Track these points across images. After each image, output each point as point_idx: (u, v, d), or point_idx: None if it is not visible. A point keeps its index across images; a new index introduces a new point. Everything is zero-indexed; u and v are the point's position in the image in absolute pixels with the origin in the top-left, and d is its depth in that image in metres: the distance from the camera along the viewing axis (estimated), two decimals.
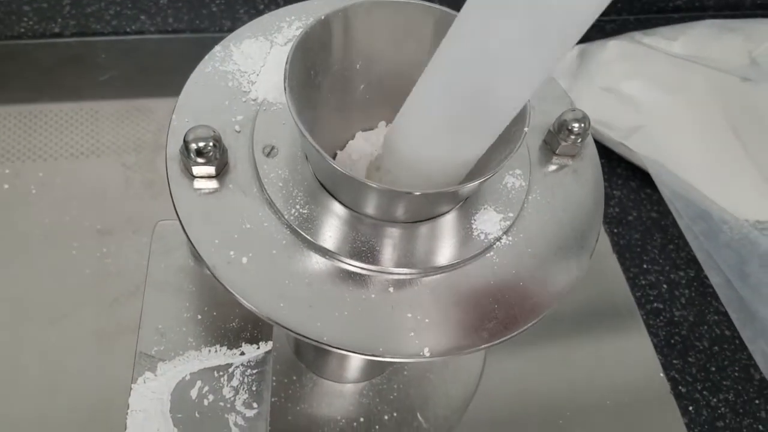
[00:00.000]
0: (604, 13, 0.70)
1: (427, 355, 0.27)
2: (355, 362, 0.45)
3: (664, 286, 0.57)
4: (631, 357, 0.53)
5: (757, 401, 0.53)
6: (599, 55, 0.66)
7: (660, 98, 0.64)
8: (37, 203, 0.53)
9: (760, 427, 0.52)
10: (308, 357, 0.46)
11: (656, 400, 0.52)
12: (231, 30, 0.65)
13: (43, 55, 0.62)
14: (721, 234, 0.58)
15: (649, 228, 0.60)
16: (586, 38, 0.70)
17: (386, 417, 0.46)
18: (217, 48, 0.33)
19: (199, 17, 0.64)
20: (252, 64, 0.33)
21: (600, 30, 0.73)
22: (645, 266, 0.58)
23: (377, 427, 0.45)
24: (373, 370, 0.46)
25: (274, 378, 0.45)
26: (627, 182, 0.62)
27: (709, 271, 0.57)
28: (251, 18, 0.64)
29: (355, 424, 0.45)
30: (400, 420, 0.46)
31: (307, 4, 0.36)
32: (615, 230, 0.59)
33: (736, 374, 0.54)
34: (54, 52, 0.62)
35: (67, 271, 0.51)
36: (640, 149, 0.60)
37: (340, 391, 0.47)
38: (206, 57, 0.33)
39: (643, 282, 0.57)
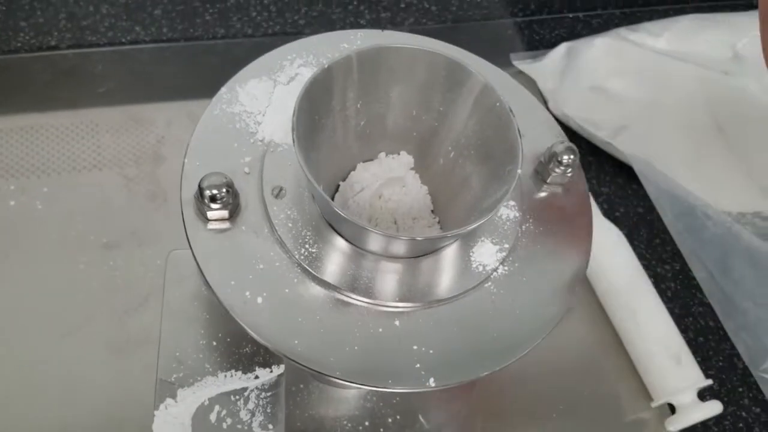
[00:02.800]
0: (591, 8, 0.72)
1: (433, 385, 0.29)
2: None
3: (651, 279, 0.59)
4: (603, 354, 0.56)
5: (740, 389, 0.56)
6: (586, 53, 0.68)
7: (646, 96, 0.66)
8: (43, 219, 0.55)
9: (744, 413, 0.55)
10: None
11: (644, 389, 0.54)
12: (224, 37, 0.66)
13: (41, 68, 0.62)
14: (705, 230, 0.60)
15: (636, 223, 0.62)
16: (574, 35, 0.72)
17: (390, 420, 0.48)
18: (224, 90, 0.35)
19: (192, 26, 0.65)
20: (257, 104, 0.34)
21: (587, 25, 0.75)
22: None
23: (381, 429, 0.48)
24: None
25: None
26: (614, 179, 0.64)
27: (693, 266, 0.60)
28: (244, 26, 0.65)
29: (360, 427, 0.48)
30: (403, 422, 0.48)
31: (305, 41, 0.37)
32: None
33: (720, 364, 0.56)
34: (51, 65, 0.63)
35: (76, 286, 0.52)
36: (627, 148, 0.62)
37: (345, 397, 0.49)
38: (214, 99, 0.34)
39: None
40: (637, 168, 0.61)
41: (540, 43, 0.72)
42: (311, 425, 0.48)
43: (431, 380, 0.29)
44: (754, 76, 0.67)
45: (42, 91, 0.61)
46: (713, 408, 0.50)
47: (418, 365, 0.30)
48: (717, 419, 0.54)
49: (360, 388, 0.29)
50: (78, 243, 0.54)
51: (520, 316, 0.32)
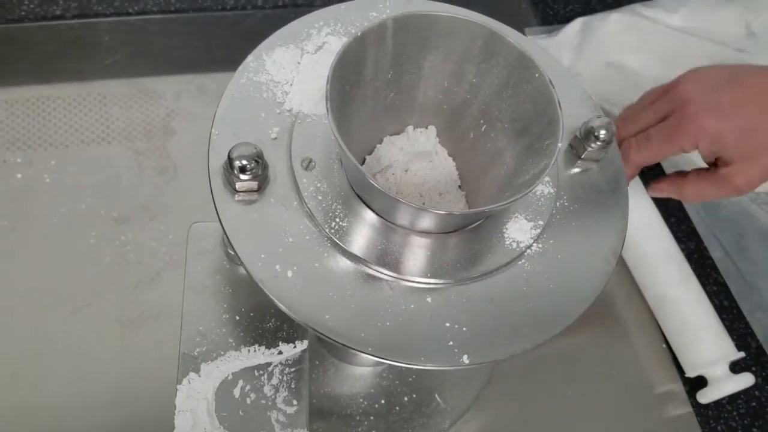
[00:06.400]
0: None
1: (467, 362, 0.29)
2: None
3: None
4: (635, 327, 0.56)
5: (754, 368, 0.55)
6: (602, 28, 0.67)
7: (660, 72, 0.65)
8: (51, 192, 0.54)
9: (757, 392, 0.55)
10: (331, 343, 0.48)
11: (659, 367, 0.54)
12: (234, 9, 0.65)
13: (46, 38, 0.61)
14: (722, 208, 0.59)
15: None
16: (589, 11, 0.71)
17: (406, 398, 0.48)
18: (250, 58, 0.34)
19: None
20: (285, 73, 0.33)
21: (601, 1, 0.73)
22: None
23: (398, 408, 0.47)
24: None
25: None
26: None
27: (709, 245, 0.59)
28: None
29: (376, 405, 0.47)
30: (419, 401, 0.48)
31: (333, 9, 0.36)
32: None
33: (735, 342, 0.56)
34: (57, 35, 0.61)
35: (87, 260, 0.52)
36: None
37: (361, 375, 0.49)
38: (240, 68, 0.33)
39: None
40: None
41: (554, 18, 0.71)
42: (327, 403, 0.47)
43: (465, 357, 0.29)
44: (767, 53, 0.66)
45: (47, 62, 0.60)
46: (746, 380, 0.50)
47: (450, 342, 0.29)
48: (731, 397, 0.53)
49: (391, 364, 0.29)
50: (88, 217, 0.53)
51: (555, 294, 0.31)
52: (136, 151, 0.57)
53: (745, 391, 0.54)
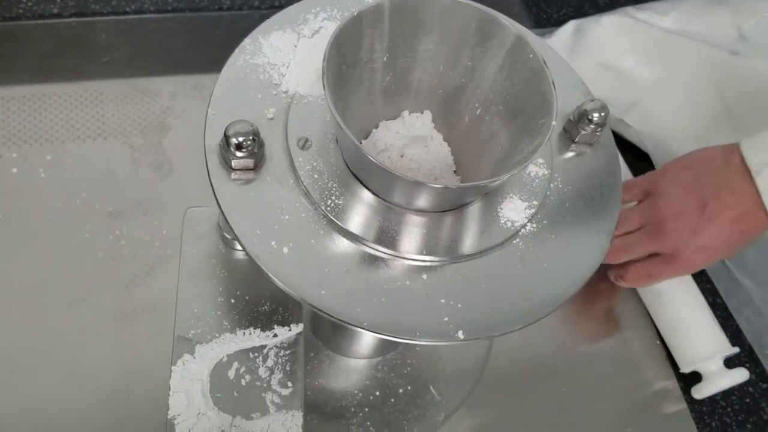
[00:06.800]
0: None
1: (462, 337, 0.29)
2: (371, 339, 0.47)
3: None
4: (628, 324, 0.56)
5: (747, 364, 0.55)
6: (594, 31, 0.68)
7: (654, 73, 0.66)
8: (47, 187, 0.54)
9: (750, 388, 0.55)
10: (325, 335, 0.48)
11: (652, 364, 0.55)
12: (230, 9, 0.66)
13: (43, 36, 0.61)
14: None
15: None
16: (581, 14, 0.72)
17: (401, 390, 0.48)
18: (247, 41, 0.34)
19: None
20: (281, 56, 0.34)
21: (594, 4, 0.75)
22: None
23: (392, 399, 0.47)
24: (387, 346, 0.48)
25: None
26: (623, 157, 0.64)
27: None
28: None
29: (371, 397, 0.47)
30: (414, 392, 0.48)
31: None
32: None
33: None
34: (54, 33, 0.62)
35: (82, 255, 0.52)
36: (638, 125, 0.62)
37: (356, 367, 0.49)
38: (236, 50, 0.34)
39: None
40: (648, 145, 0.61)
41: (548, 21, 0.72)
42: (321, 395, 0.47)
43: (460, 333, 0.29)
44: (760, 56, 0.67)
45: (44, 60, 0.60)
46: (740, 375, 0.50)
47: (446, 318, 0.29)
48: (725, 393, 0.54)
49: (387, 339, 0.29)
50: (83, 211, 0.53)
51: (549, 272, 0.31)
52: (131, 147, 0.57)
53: (739, 387, 0.54)
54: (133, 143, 0.57)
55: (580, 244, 0.32)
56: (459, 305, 0.30)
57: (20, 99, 0.58)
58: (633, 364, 0.55)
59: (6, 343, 0.47)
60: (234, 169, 0.30)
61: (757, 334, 0.57)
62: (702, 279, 0.59)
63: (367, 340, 0.47)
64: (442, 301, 0.30)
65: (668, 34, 0.68)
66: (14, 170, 0.54)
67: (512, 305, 0.30)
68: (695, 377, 0.53)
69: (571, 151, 0.35)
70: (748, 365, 0.55)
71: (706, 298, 0.58)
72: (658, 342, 0.55)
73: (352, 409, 0.47)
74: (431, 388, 0.48)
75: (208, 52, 0.63)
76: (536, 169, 0.33)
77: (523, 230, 0.32)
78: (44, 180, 0.54)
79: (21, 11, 0.61)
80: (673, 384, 0.54)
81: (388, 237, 0.30)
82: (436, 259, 0.31)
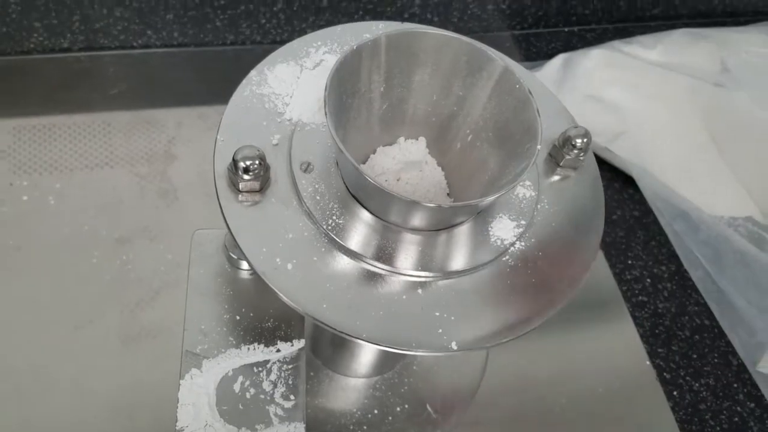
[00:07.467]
0: (585, 23, 0.76)
1: (455, 348, 0.31)
2: (369, 358, 0.48)
3: (648, 280, 0.62)
4: (620, 346, 0.58)
5: (735, 385, 0.57)
6: (583, 64, 0.70)
7: (640, 104, 0.69)
8: (56, 214, 0.56)
9: (739, 408, 0.56)
10: (325, 354, 0.50)
11: (643, 385, 0.56)
12: (233, 44, 0.68)
13: (54, 70, 0.64)
14: (699, 232, 0.62)
15: (632, 226, 0.65)
16: (570, 48, 0.75)
17: (398, 409, 0.49)
18: (253, 72, 0.36)
19: (203, 32, 0.67)
20: (285, 87, 0.36)
21: (582, 39, 0.78)
22: (630, 262, 0.62)
23: (390, 418, 0.49)
24: (385, 365, 0.50)
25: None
26: (611, 184, 0.66)
27: (688, 266, 0.62)
28: (253, 32, 0.67)
29: (369, 416, 0.49)
30: (411, 411, 0.49)
31: (330, 30, 0.39)
32: None
33: (716, 360, 0.58)
34: (64, 67, 0.64)
35: (89, 279, 0.53)
36: (624, 153, 0.64)
37: (354, 386, 0.50)
38: (243, 81, 0.36)
39: (629, 277, 0.61)
40: (634, 172, 0.64)
41: (537, 55, 0.75)
42: (321, 413, 0.49)
43: (453, 344, 0.31)
44: (742, 88, 0.70)
45: (54, 93, 0.63)
46: None
47: (440, 330, 0.31)
48: (714, 413, 0.55)
49: (385, 350, 0.31)
50: (90, 237, 0.55)
51: (537, 288, 0.33)
52: (138, 175, 0.59)
53: (728, 407, 0.56)
54: (139, 172, 0.59)
55: (566, 260, 0.34)
56: (452, 318, 0.32)
57: (31, 129, 0.60)
58: (624, 384, 0.56)
59: (15, 361, 0.49)
60: (241, 192, 0.32)
61: (750, 352, 0.59)
62: (694, 301, 0.61)
63: (365, 358, 0.48)
64: (437, 314, 0.32)
65: (654, 67, 0.71)
66: (25, 198, 0.56)
67: (502, 318, 0.32)
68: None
69: (557, 174, 0.37)
70: (735, 386, 0.57)
71: (699, 318, 0.60)
72: (648, 363, 0.57)
73: (351, 427, 0.48)
74: (428, 406, 0.50)
75: (212, 85, 0.66)
76: (524, 191, 0.35)
77: (512, 248, 0.34)
78: (54, 207, 0.56)
79: (32, 46, 0.64)
80: (662, 401, 0.55)
81: (385, 254, 0.32)
82: (431, 274, 0.32)
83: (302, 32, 0.69)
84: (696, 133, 0.68)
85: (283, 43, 0.38)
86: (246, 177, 0.32)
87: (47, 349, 0.50)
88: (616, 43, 0.72)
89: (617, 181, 0.67)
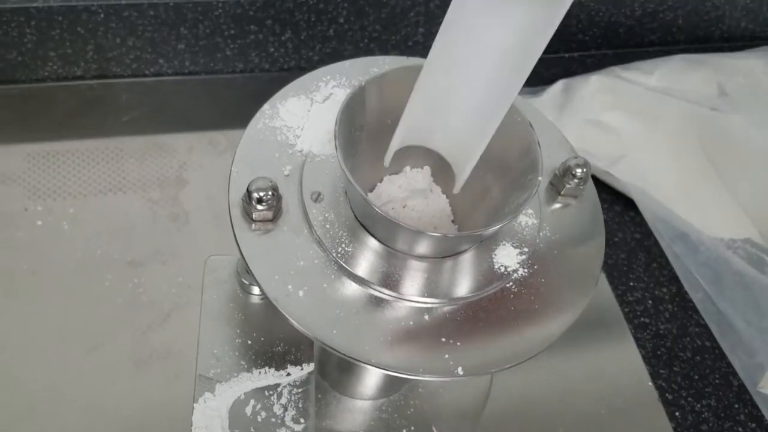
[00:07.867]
0: (585, 49, 0.78)
1: (461, 373, 0.32)
2: (376, 380, 0.49)
3: (650, 301, 0.63)
4: (622, 368, 0.59)
5: (736, 405, 0.58)
6: (582, 89, 0.72)
7: (639, 128, 0.70)
8: (69, 238, 0.57)
9: (740, 429, 0.57)
10: (332, 376, 0.51)
11: (645, 406, 0.57)
12: (242, 71, 0.70)
13: (67, 97, 0.66)
14: (699, 254, 0.63)
15: (633, 248, 0.66)
16: (570, 73, 0.76)
17: (404, 430, 0.50)
18: (266, 106, 0.38)
19: (213, 60, 0.68)
20: (296, 120, 0.38)
21: (581, 64, 0.79)
22: (631, 284, 0.63)
23: None
24: (391, 387, 0.51)
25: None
26: (612, 207, 0.68)
27: (689, 288, 0.63)
28: (262, 60, 0.69)
29: None
30: None
31: (339, 65, 0.40)
32: None
33: (717, 381, 0.59)
34: (77, 94, 0.66)
35: (102, 302, 0.55)
36: (624, 176, 0.66)
37: (361, 408, 0.51)
38: (257, 114, 0.37)
39: (630, 298, 0.62)
40: (634, 195, 0.65)
41: (538, 80, 0.76)
42: None
43: (459, 369, 0.32)
44: (739, 112, 0.71)
45: (68, 119, 0.64)
46: None
47: (446, 356, 0.32)
48: None
49: (393, 375, 0.32)
50: (103, 261, 0.57)
51: (540, 313, 0.34)
52: (150, 200, 0.61)
53: (729, 427, 0.57)
54: (151, 197, 0.61)
55: (568, 287, 0.35)
56: (458, 343, 0.33)
57: (45, 155, 0.62)
58: (626, 403, 0.57)
59: (29, 383, 0.50)
60: (254, 221, 0.34)
61: (750, 374, 0.59)
62: (695, 322, 0.62)
63: (372, 380, 0.49)
64: (443, 339, 0.33)
65: (653, 92, 0.72)
66: (39, 223, 0.58)
67: (506, 344, 0.33)
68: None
69: (558, 203, 0.38)
70: (736, 406, 0.58)
71: (700, 339, 0.61)
72: (650, 383, 0.58)
73: None
74: (433, 428, 0.51)
75: (223, 111, 0.68)
76: (526, 219, 0.37)
77: (515, 274, 0.35)
78: (67, 232, 0.58)
79: (47, 74, 0.66)
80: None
81: (392, 281, 0.34)
82: (437, 301, 0.34)
83: (309, 60, 0.71)
84: (694, 156, 0.69)
85: (291, 70, 0.40)
86: (259, 207, 0.33)
87: (61, 370, 0.51)
88: (616, 69, 0.74)
89: (618, 204, 0.68)
